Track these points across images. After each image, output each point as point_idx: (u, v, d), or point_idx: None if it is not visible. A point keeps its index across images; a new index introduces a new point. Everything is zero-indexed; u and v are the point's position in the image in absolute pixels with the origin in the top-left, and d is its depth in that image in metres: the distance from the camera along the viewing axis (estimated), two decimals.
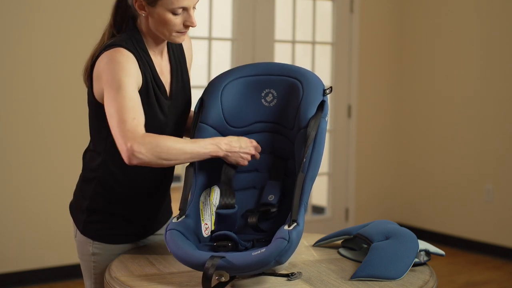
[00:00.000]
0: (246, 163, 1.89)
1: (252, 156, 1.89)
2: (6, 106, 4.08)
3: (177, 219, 1.75)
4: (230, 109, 1.92)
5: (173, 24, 1.85)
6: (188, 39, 2.13)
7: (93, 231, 1.97)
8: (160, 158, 1.74)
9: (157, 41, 1.94)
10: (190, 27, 1.89)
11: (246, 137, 1.92)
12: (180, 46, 2.07)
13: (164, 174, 2.04)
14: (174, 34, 1.88)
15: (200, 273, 1.74)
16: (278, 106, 1.92)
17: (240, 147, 1.85)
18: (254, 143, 1.89)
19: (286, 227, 1.64)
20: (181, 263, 1.66)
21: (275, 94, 1.92)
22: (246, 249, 1.78)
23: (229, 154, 1.84)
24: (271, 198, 1.89)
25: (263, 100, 1.93)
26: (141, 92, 1.86)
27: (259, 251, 1.60)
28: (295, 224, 1.64)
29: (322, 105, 1.85)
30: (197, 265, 1.62)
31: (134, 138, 1.72)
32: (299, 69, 1.93)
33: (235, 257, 1.60)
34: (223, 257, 1.60)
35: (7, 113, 4.09)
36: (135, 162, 1.73)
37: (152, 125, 1.88)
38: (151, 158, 1.73)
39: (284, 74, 1.93)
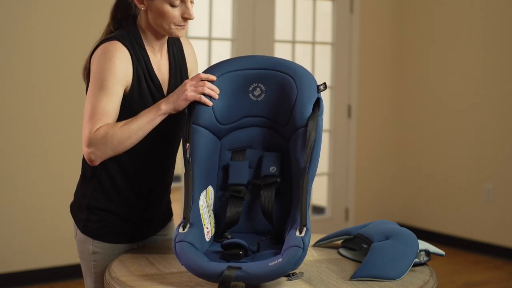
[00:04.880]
0: (196, 96, 1.85)
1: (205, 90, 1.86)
2: (5, 106, 4.08)
3: (183, 229, 1.70)
4: (219, 107, 1.87)
5: (172, 16, 1.89)
6: (189, 45, 2.14)
7: (93, 230, 1.99)
8: (116, 150, 1.83)
9: (157, 37, 1.96)
10: (189, 22, 1.93)
11: (236, 132, 1.90)
12: (181, 50, 2.08)
13: (164, 174, 2.05)
14: (173, 27, 1.91)
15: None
16: (267, 100, 1.88)
17: (175, 93, 1.86)
18: (200, 75, 1.88)
19: (297, 233, 1.64)
20: (195, 275, 1.62)
21: (263, 88, 1.89)
22: (253, 253, 1.76)
23: (171, 105, 1.85)
24: (273, 169, 1.87)
25: (250, 95, 1.89)
26: (133, 88, 1.90)
27: (276, 261, 1.58)
28: (305, 229, 1.64)
29: (317, 103, 1.83)
30: (211, 277, 1.59)
31: (89, 144, 1.81)
32: (290, 64, 1.89)
33: (252, 268, 1.58)
34: (240, 268, 1.57)
35: (7, 114, 4.09)
36: (96, 164, 1.85)
37: None
38: (108, 154, 1.83)
39: (273, 68, 1.88)
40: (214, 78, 1.88)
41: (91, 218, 1.98)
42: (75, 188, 2.09)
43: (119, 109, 1.87)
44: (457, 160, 5.35)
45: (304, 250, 1.61)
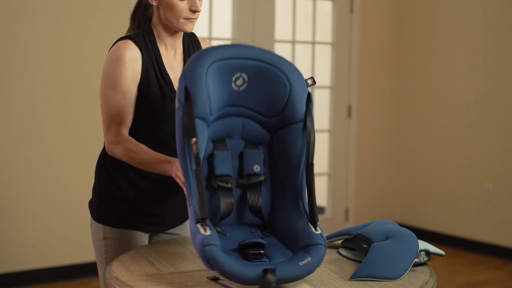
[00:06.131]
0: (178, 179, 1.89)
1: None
2: (6, 106, 4.08)
3: (204, 230, 1.65)
4: (210, 96, 1.82)
5: (180, 9, 1.99)
6: (208, 44, 2.23)
7: (104, 216, 2.10)
8: (131, 163, 1.99)
9: (169, 33, 2.07)
10: (198, 16, 2.03)
11: (217, 122, 1.86)
12: (198, 50, 2.17)
13: None
14: (181, 20, 2.01)
15: (201, 273, 1.74)
16: (249, 90, 1.85)
17: (171, 163, 1.93)
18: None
19: (313, 230, 1.70)
20: (232, 280, 1.60)
21: (245, 78, 1.85)
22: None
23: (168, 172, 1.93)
24: (257, 168, 1.85)
25: (233, 84, 1.84)
26: (142, 83, 2.02)
27: (306, 261, 1.64)
28: (317, 225, 1.71)
29: (309, 98, 1.83)
30: (250, 281, 1.59)
31: (114, 140, 1.99)
32: (276, 57, 1.87)
33: (286, 269, 1.62)
34: (274, 269, 1.60)
35: (8, 114, 4.09)
36: (114, 156, 2.03)
37: (152, 112, 2.04)
38: (125, 160, 1.99)
39: (258, 59, 1.85)
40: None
41: (103, 206, 2.10)
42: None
43: (133, 106, 2.01)
44: (457, 160, 5.35)
45: (325, 246, 1.68)
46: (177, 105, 1.77)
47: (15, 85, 4.11)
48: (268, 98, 1.86)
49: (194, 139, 1.71)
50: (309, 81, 1.85)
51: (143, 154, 1.95)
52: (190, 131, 1.71)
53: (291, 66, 1.87)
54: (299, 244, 1.71)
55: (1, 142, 4.08)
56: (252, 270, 1.59)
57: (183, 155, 1.73)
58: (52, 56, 4.21)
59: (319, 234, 1.70)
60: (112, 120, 1.99)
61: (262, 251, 1.68)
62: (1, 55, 4.06)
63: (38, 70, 4.17)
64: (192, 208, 1.71)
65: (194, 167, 1.72)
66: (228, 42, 5.19)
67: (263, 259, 1.69)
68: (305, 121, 1.81)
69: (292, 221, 1.77)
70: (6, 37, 4.07)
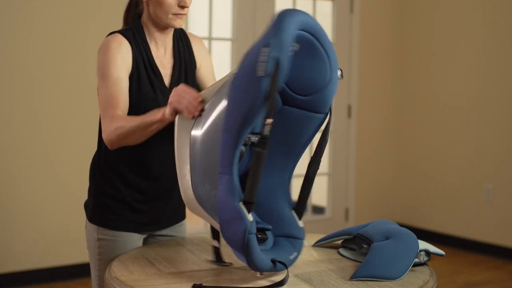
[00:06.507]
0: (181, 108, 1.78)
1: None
2: (6, 106, 4.08)
3: (248, 216, 1.61)
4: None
5: (168, 4, 2.00)
6: (199, 42, 2.22)
7: (99, 217, 2.07)
8: (126, 136, 1.90)
9: (158, 29, 2.07)
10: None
11: None
12: (188, 47, 2.17)
13: (165, 164, 2.07)
14: (170, 16, 2.01)
15: (201, 273, 1.75)
16: (290, 59, 1.73)
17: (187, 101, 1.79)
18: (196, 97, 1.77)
19: (297, 221, 1.79)
20: (250, 267, 1.65)
21: (296, 49, 1.73)
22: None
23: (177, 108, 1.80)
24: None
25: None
26: (132, 75, 2.01)
27: (294, 255, 1.77)
28: (302, 217, 1.81)
29: None
30: (262, 270, 1.69)
31: (108, 130, 1.92)
32: (327, 40, 1.75)
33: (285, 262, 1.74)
34: (284, 263, 1.72)
35: (8, 114, 4.09)
36: (113, 148, 1.96)
37: (143, 108, 2.01)
38: (120, 138, 1.91)
39: (316, 36, 1.73)
40: (200, 107, 1.76)
41: (97, 206, 2.08)
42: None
43: (127, 92, 1.98)
44: (457, 161, 5.35)
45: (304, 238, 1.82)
46: (259, 72, 1.58)
47: (15, 85, 4.11)
48: (305, 77, 1.76)
49: (270, 120, 1.58)
50: (338, 73, 1.78)
51: (134, 119, 1.88)
52: (270, 109, 1.58)
53: (334, 54, 1.77)
54: (280, 229, 1.79)
55: (1, 142, 4.09)
56: (267, 262, 1.68)
57: (242, 124, 1.61)
58: (52, 56, 4.21)
59: (303, 228, 1.80)
60: (107, 105, 1.94)
61: (267, 237, 1.76)
62: (1, 55, 4.07)
63: (38, 70, 4.17)
64: (227, 180, 1.61)
65: (251, 140, 1.64)
66: (228, 42, 5.18)
67: (264, 244, 1.77)
68: (328, 116, 1.77)
69: (276, 199, 1.81)
70: (6, 37, 4.07)
